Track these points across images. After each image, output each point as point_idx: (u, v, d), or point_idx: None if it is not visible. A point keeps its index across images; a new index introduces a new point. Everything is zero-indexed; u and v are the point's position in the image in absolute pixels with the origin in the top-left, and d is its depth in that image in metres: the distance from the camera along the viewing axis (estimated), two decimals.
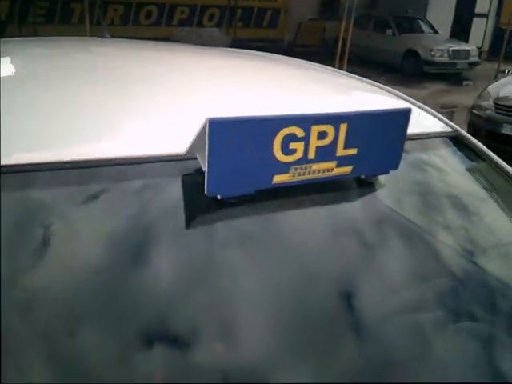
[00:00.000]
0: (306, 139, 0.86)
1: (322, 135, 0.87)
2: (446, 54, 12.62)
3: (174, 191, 0.93)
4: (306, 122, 0.85)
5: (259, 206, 0.94)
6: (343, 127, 0.89)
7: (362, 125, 0.92)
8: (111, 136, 0.95)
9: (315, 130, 0.86)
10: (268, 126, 0.83)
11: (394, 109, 0.97)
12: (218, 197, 0.86)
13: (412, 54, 12.80)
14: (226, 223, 0.93)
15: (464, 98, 9.51)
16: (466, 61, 12.96)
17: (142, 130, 0.97)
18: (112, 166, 0.90)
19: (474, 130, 5.93)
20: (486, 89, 6.55)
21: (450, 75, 12.60)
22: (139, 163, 0.92)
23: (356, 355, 0.91)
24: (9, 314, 0.74)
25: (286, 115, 0.85)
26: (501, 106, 6.01)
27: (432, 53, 12.54)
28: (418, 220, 1.14)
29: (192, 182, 0.91)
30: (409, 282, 1.04)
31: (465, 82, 12.47)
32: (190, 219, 0.92)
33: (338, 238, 1.02)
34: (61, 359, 0.75)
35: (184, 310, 0.85)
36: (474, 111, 6.37)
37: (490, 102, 6.16)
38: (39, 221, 0.85)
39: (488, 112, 6.10)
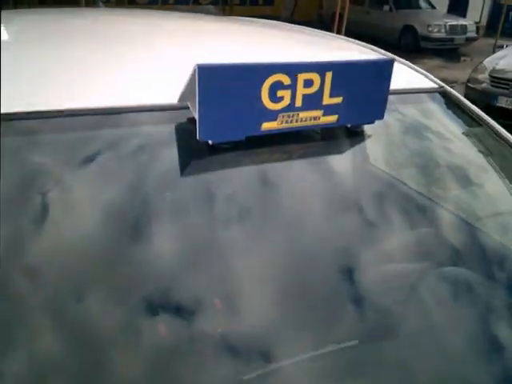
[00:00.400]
0: (292, 87, 0.90)
1: (308, 83, 0.91)
2: (443, 30, 12.54)
3: (168, 138, 0.97)
4: (292, 69, 0.89)
5: (249, 153, 0.98)
6: (328, 76, 0.93)
7: (346, 74, 0.95)
8: (108, 87, 1.00)
9: (301, 77, 0.90)
10: (256, 72, 0.87)
11: (378, 59, 1.01)
12: (210, 142, 0.90)
13: (409, 29, 12.72)
14: (217, 169, 0.98)
15: (462, 73, 9.48)
16: (464, 36, 12.89)
17: (137, 81, 1.02)
18: (107, 114, 0.94)
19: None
20: (482, 62, 6.56)
21: (448, 51, 12.54)
22: (134, 112, 0.96)
23: (345, 301, 0.96)
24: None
25: (273, 62, 0.89)
26: (496, 79, 6.03)
27: (429, 28, 12.46)
28: (403, 171, 1.19)
29: (185, 130, 0.95)
30: (391, 229, 1.09)
31: (462, 58, 12.42)
32: (184, 165, 0.96)
33: (324, 186, 1.07)
34: (66, 325, 0.78)
35: (179, 260, 0.89)
36: (469, 84, 6.38)
37: (486, 75, 6.18)
38: (37, 167, 0.90)
39: (484, 85, 6.12)
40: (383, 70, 1.00)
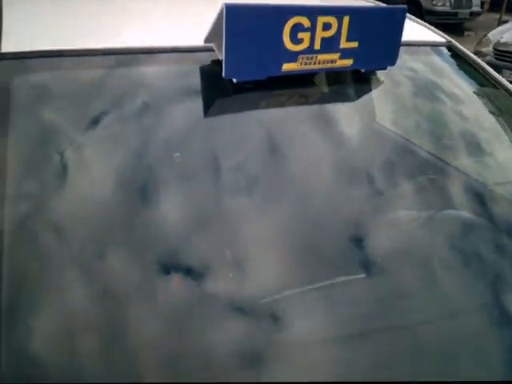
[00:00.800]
0: (312, 30, 0.96)
1: (326, 26, 0.97)
2: (447, 3, 12.40)
3: (192, 78, 1.03)
4: (312, 12, 0.95)
5: (269, 94, 1.05)
6: (346, 20, 0.98)
7: (362, 19, 1.01)
8: (135, 30, 1.06)
9: (320, 20, 0.96)
10: (279, 13, 0.93)
11: (391, 6, 1.06)
12: (234, 81, 0.96)
13: (414, 2, 12.55)
14: (239, 108, 1.04)
15: (466, 47, 9.42)
16: (468, 10, 12.74)
17: (162, 24, 1.07)
18: (132, 54, 1.01)
19: None
20: (486, 35, 6.55)
21: (452, 25, 12.42)
22: (160, 53, 1.02)
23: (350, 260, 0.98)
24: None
25: (294, 4, 0.94)
26: (500, 52, 6.02)
27: (433, 2, 12.32)
28: (411, 117, 1.25)
29: (209, 71, 1.02)
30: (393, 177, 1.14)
31: (466, 33, 12.32)
32: (208, 103, 1.03)
33: (336, 128, 1.13)
34: (84, 280, 0.79)
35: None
36: None
37: (490, 48, 6.17)
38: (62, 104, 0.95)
39: (488, 58, 6.11)
40: (396, 18, 1.06)
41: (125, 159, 0.93)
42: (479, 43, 6.51)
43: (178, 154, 0.97)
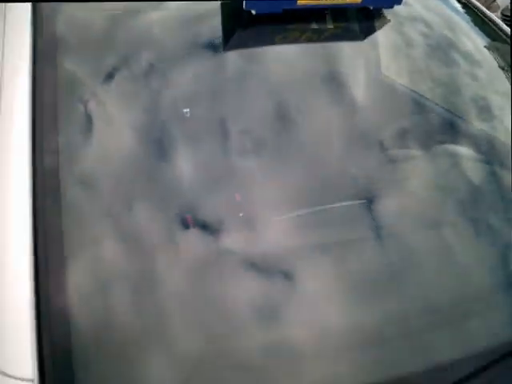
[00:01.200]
0: None
1: None
2: None
3: (215, 12, 1.12)
4: None
5: (285, 27, 1.14)
6: None
7: None
8: None
9: None
10: None
11: None
12: (253, 12, 1.05)
13: None
14: (258, 39, 1.13)
15: None
16: None
17: None
18: None
19: None
20: (494, 0, 6.50)
21: None
22: None
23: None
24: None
25: None
26: (508, 17, 5.99)
27: None
28: (414, 54, 1.32)
29: (230, 5, 1.11)
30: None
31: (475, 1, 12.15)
32: (229, 33, 1.12)
33: (341, 59, 1.21)
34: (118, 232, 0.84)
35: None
36: None
37: (498, 14, 6.14)
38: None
39: None
40: None
41: (160, 91, 1.01)
42: (488, 8, 6.46)
43: (187, 110, 1.00)
